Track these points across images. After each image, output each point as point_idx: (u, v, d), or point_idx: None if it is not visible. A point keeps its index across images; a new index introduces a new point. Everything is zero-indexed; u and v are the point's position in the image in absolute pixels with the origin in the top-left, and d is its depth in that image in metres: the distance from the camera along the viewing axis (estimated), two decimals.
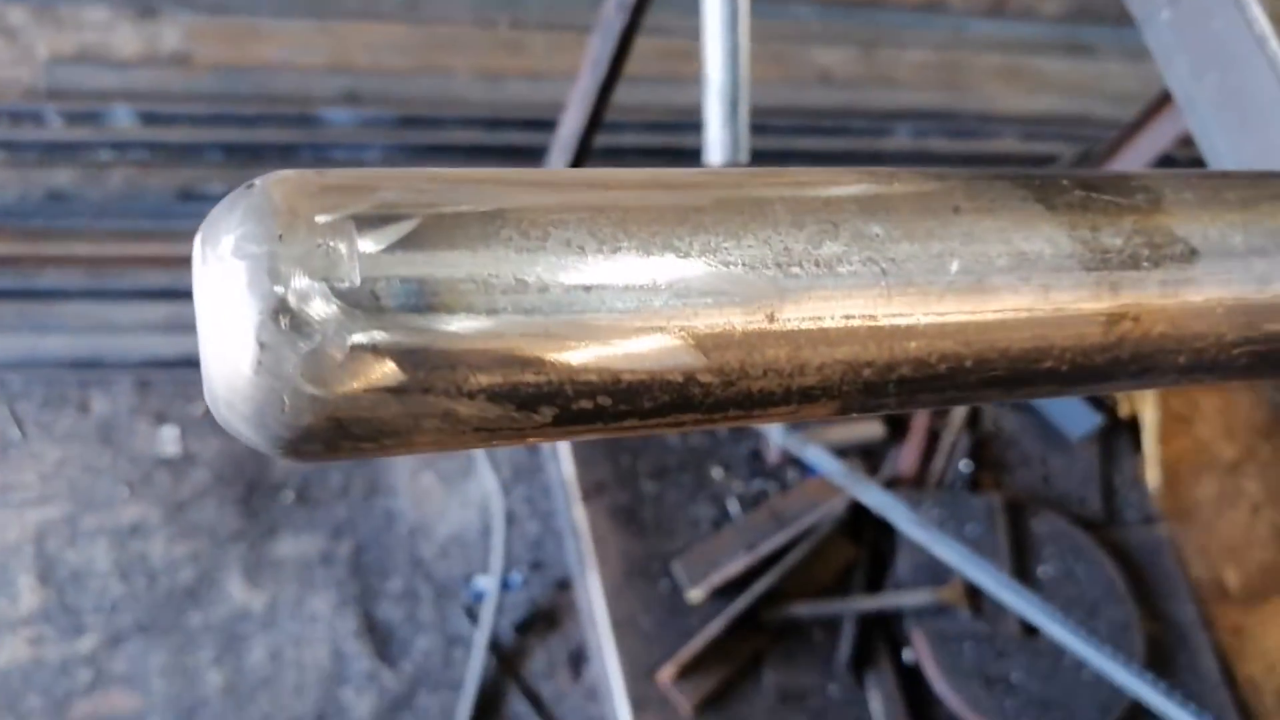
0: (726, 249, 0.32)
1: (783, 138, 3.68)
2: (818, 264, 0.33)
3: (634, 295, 0.30)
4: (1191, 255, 0.40)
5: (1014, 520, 2.73)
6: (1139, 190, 0.41)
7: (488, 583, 2.90)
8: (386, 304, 0.28)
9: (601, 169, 0.34)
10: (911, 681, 2.58)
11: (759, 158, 3.91)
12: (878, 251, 0.34)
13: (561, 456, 2.79)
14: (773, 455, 2.80)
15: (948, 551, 1.75)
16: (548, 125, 2.58)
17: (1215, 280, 0.40)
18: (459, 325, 0.28)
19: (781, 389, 0.33)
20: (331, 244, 0.28)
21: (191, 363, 3.08)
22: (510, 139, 3.38)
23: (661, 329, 0.31)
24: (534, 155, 3.11)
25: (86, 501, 2.87)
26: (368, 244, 0.28)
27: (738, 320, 0.32)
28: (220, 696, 2.70)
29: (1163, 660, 2.75)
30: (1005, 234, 0.36)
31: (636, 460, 2.77)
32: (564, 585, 2.92)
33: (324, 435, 0.28)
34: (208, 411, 3.02)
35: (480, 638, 2.79)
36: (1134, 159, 3.09)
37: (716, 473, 2.82)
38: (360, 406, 0.28)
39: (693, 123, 1.70)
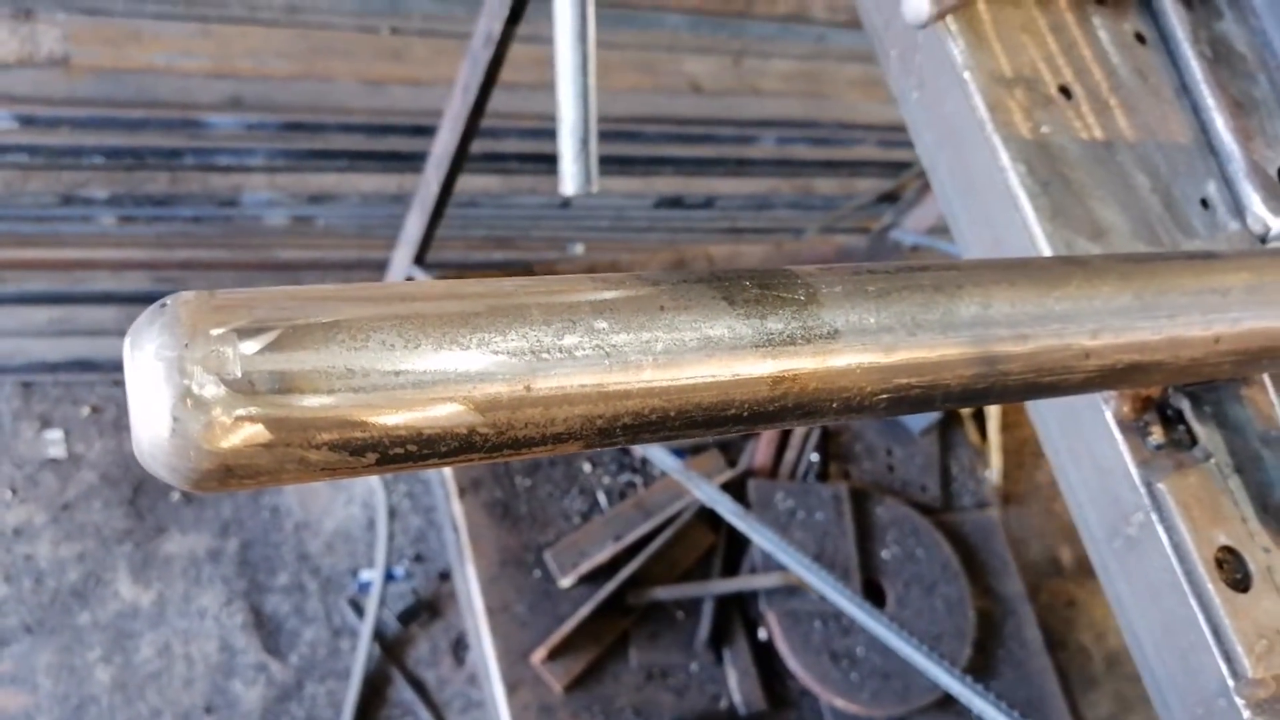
0: (496, 342, 0.48)
1: (653, 145, 3.82)
2: (561, 350, 0.50)
3: (430, 376, 0.47)
4: (835, 334, 0.58)
5: (860, 507, 2.96)
6: (801, 286, 0.59)
7: (372, 575, 3.01)
8: (259, 389, 0.44)
9: (412, 284, 0.51)
10: (765, 657, 2.79)
11: (630, 164, 4.02)
12: (603, 340, 0.51)
13: None
14: (638, 451, 2.98)
15: (769, 544, 1.95)
16: (429, 131, 2.66)
17: (853, 350, 0.58)
18: (308, 401, 0.44)
19: (539, 435, 0.51)
20: (221, 349, 0.44)
21: (75, 366, 3.11)
22: (392, 145, 3.44)
23: (450, 399, 0.48)
24: (415, 160, 3.19)
25: None
26: (246, 348, 0.44)
27: (504, 391, 0.48)
28: (109, 693, 2.76)
29: (992, 631, 3.01)
30: (697, 324, 0.54)
31: None
32: (445, 576, 3.04)
33: (218, 476, 0.44)
34: (93, 412, 3.07)
35: (365, 628, 2.90)
36: None
37: (586, 467, 2.98)
38: (242, 457, 0.44)
39: None
